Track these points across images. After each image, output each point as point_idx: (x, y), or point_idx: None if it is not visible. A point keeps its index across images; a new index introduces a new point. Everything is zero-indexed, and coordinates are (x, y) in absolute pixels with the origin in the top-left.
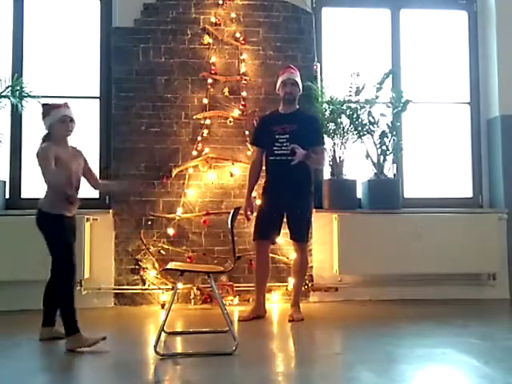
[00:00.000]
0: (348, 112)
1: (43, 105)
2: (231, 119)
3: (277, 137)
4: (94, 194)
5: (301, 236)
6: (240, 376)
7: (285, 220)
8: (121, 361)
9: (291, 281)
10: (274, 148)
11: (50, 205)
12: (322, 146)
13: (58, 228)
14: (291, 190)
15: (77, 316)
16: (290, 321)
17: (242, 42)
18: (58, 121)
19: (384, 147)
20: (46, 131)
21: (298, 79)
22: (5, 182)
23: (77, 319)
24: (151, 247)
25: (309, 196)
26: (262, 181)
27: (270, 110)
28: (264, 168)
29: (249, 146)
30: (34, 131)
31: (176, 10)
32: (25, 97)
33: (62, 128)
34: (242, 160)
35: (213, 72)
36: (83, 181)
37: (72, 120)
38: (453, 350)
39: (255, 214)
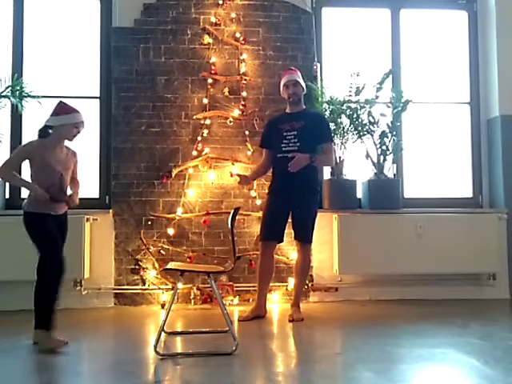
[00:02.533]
0: (348, 112)
1: (61, 102)
2: (231, 119)
3: (284, 134)
4: (94, 194)
5: (304, 237)
6: (240, 376)
7: (289, 220)
8: (121, 361)
9: (291, 281)
10: (282, 145)
11: (31, 204)
12: (330, 143)
13: (40, 227)
14: (297, 189)
15: (53, 316)
16: (290, 321)
17: (242, 42)
18: (72, 124)
19: (384, 147)
20: (45, 126)
21: (300, 79)
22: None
23: (52, 319)
24: (151, 247)
25: (314, 196)
26: (266, 181)
27: (273, 111)
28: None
29: (249, 145)
30: (34, 131)
31: (176, 10)
32: (25, 97)
33: (72, 133)
34: (242, 160)
35: (213, 72)
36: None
37: (83, 127)
38: (453, 349)
39: (261, 213)
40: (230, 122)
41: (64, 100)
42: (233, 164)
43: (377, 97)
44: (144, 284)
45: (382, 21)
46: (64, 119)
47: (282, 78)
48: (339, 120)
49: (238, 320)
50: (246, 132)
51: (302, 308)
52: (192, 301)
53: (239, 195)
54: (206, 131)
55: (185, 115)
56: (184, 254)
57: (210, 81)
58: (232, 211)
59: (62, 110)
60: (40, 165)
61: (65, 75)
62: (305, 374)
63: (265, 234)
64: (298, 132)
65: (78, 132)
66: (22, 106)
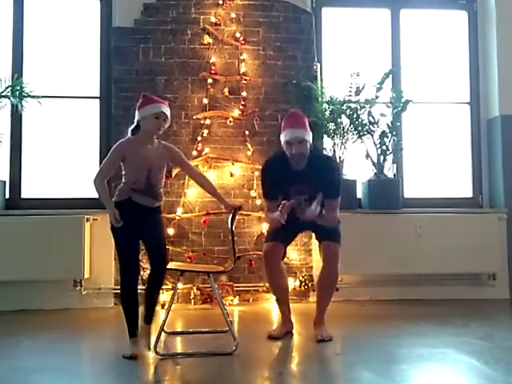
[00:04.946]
0: (348, 112)
1: (143, 95)
2: (231, 119)
3: (294, 196)
4: (94, 193)
5: (331, 233)
6: (240, 376)
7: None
8: (121, 361)
9: (291, 281)
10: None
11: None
12: (337, 199)
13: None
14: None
15: (135, 319)
16: (318, 341)
17: (242, 42)
18: (152, 115)
19: (384, 147)
20: (136, 123)
21: (307, 134)
22: (5, 181)
23: (135, 323)
24: None
25: None
26: None
27: (274, 110)
28: None
29: (249, 145)
30: (34, 131)
31: (176, 10)
32: (25, 97)
33: (153, 124)
34: (242, 160)
35: (213, 72)
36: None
37: (166, 119)
38: (453, 350)
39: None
40: (230, 122)
41: (65, 100)
42: (233, 164)
43: (377, 97)
44: (144, 284)
45: (382, 21)
46: (143, 112)
47: (284, 130)
48: (339, 120)
49: (268, 337)
50: (246, 132)
51: (303, 308)
52: (192, 301)
53: (239, 195)
54: (206, 131)
55: (185, 115)
56: (184, 254)
57: (210, 81)
58: (232, 211)
59: (142, 102)
60: (129, 162)
61: (65, 75)
62: (305, 374)
63: (271, 236)
64: (309, 196)
65: (160, 123)
66: (22, 105)
